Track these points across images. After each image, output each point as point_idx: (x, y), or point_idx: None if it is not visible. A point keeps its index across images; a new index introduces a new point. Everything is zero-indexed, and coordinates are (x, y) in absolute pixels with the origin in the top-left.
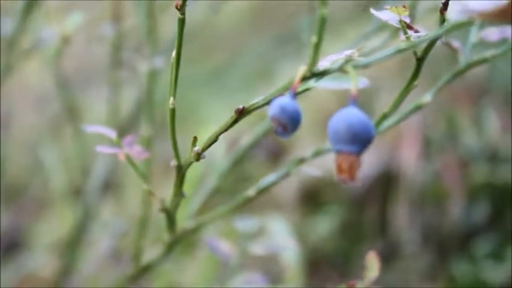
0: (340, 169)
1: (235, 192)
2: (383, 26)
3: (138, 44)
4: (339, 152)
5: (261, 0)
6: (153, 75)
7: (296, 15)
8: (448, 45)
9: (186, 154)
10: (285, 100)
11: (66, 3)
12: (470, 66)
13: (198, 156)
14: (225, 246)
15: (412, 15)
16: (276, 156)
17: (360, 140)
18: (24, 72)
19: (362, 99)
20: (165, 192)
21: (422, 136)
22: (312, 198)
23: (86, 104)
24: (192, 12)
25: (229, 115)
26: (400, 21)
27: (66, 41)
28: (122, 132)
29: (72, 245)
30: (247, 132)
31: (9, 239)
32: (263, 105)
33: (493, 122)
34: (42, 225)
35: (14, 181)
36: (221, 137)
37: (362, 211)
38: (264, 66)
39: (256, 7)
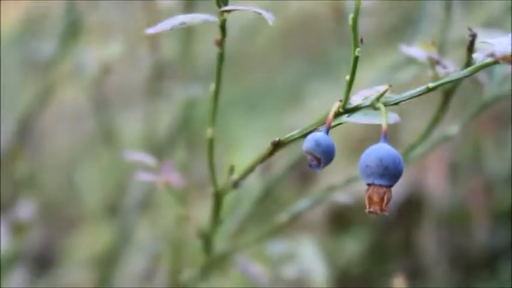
0: (371, 201)
1: (265, 214)
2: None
3: (175, 71)
4: (370, 185)
5: (292, 24)
6: (189, 102)
7: (326, 38)
8: (474, 80)
9: (220, 179)
10: (320, 135)
11: (106, 26)
12: (496, 99)
13: (235, 185)
14: (257, 269)
15: (441, 48)
16: (305, 178)
17: (391, 173)
18: (59, 90)
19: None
20: (200, 211)
21: (448, 160)
22: (340, 219)
23: (121, 123)
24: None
25: (260, 138)
26: (429, 57)
27: (106, 69)
28: (158, 155)
29: (108, 264)
30: (280, 157)
31: (43, 255)
32: (298, 138)
33: None
34: (76, 243)
35: (49, 198)
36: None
37: (389, 233)
38: (295, 89)
39: (286, 30)
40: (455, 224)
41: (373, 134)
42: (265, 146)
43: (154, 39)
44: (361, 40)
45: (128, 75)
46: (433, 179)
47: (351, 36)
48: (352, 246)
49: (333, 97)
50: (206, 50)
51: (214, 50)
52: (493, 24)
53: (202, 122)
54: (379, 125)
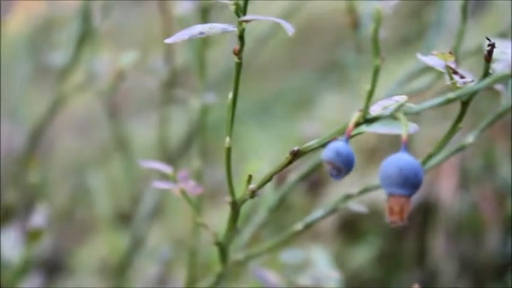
0: (391, 211)
1: (278, 222)
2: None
3: (188, 78)
4: (390, 195)
5: (303, 31)
6: (204, 110)
7: (337, 46)
8: (490, 88)
9: (234, 187)
10: (340, 144)
11: (118, 32)
12: None
13: (253, 194)
14: (272, 277)
15: (456, 56)
16: (316, 186)
17: (411, 183)
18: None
19: None
20: (213, 219)
21: (460, 167)
22: (350, 227)
23: (134, 131)
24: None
25: (273, 146)
26: (447, 67)
27: (119, 77)
28: (171, 162)
29: (120, 270)
30: (295, 168)
31: (55, 262)
32: (317, 147)
33: None
34: (86, 250)
35: (61, 206)
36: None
37: (400, 241)
38: (305, 97)
39: (297, 38)
40: (466, 231)
41: (386, 144)
42: (278, 154)
43: (168, 46)
44: (383, 58)
45: (142, 82)
46: (444, 186)
47: (364, 43)
48: (364, 255)
49: (344, 105)
50: (220, 57)
51: (228, 58)
52: (503, 34)
53: (214, 129)
54: (392, 135)
